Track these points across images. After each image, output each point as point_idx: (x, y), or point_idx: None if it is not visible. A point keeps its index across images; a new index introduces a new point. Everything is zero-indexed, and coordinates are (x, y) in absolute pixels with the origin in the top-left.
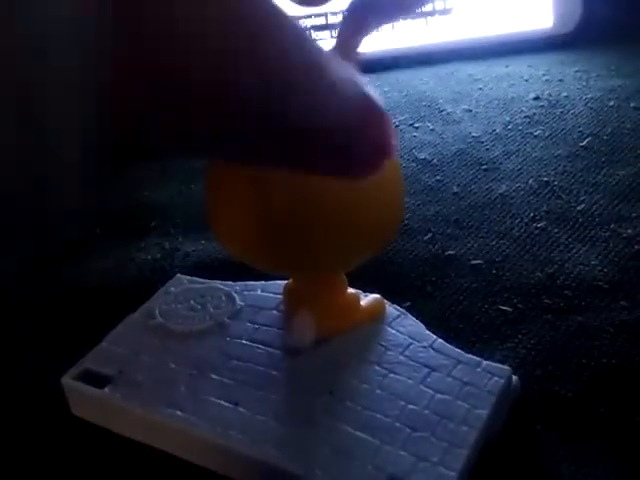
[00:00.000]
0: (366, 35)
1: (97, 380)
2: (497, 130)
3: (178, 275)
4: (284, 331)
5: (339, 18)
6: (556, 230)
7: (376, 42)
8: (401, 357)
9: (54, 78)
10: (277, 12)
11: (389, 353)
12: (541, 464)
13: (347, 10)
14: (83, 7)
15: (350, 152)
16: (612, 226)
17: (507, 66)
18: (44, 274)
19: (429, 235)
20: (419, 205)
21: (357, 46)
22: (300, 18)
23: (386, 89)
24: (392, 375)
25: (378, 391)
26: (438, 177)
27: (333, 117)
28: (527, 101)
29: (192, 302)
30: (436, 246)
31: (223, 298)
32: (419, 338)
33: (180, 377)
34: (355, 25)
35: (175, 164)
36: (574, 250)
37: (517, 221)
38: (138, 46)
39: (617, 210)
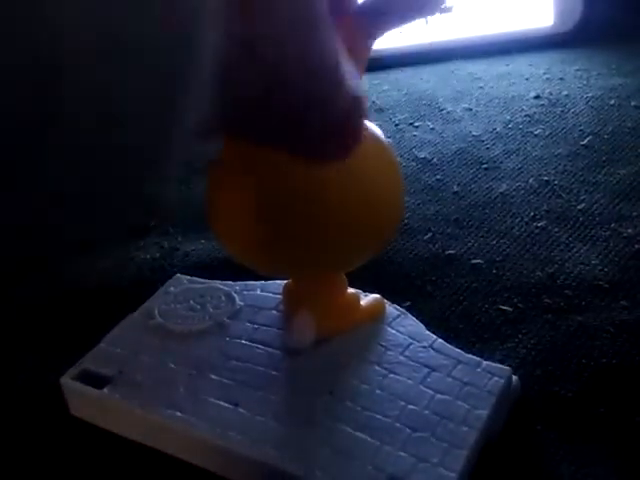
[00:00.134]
0: (377, 37)
1: (96, 380)
2: (497, 129)
3: (178, 275)
4: (284, 331)
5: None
6: (556, 229)
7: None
8: (401, 357)
9: (137, 77)
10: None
11: (389, 353)
12: (541, 464)
13: (358, 12)
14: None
15: (335, 137)
16: (612, 225)
17: (508, 65)
18: (44, 274)
19: (429, 234)
20: (419, 204)
21: (369, 47)
22: None
23: (386, 88)
24: (392, 375)
25: (378, 391)
26: (438, 176)
27: (333, 109)
28: (527, 100)
29: (192, 302)
30: (436, 245)
31: (223, 298)
32: (419, 338)
33: (180, 377)
34: (368, 27)
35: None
36: (574, 249)
37: (517, 220)
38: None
39: (618, 209)
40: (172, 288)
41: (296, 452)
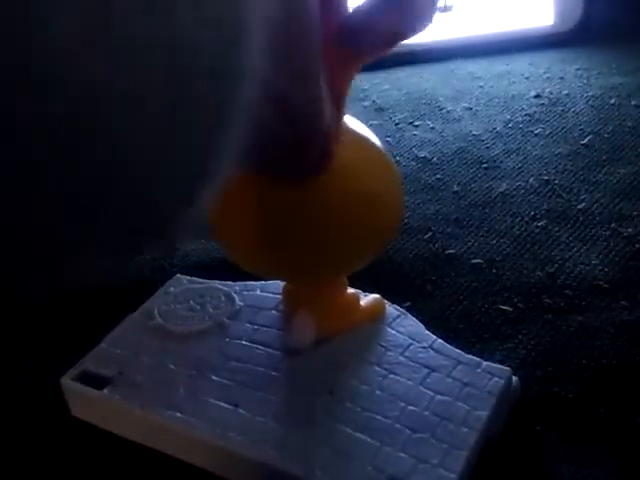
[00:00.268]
0: (360, 64)
1: (96, 381)
2: (497, 128)
3: (177, 275)
4: (284, 331)
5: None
6: (556, 229)
7: None
8: (401, 358)
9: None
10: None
11: (389, 354)
12: (541, 465)
13: (339, 40)
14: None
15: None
16: (613, 225)
17: (508, 64)
18: (44, 274)
19: (429, 234)
20: (419, 204)
21: (349, 77)
22: None
23: (386, 87)
24: (392, 376)
25: (378, 392)
26: (438, 176)
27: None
28: (528, 99)
29: (191, 302)
30: (436, 245)
31: (222, 298)
32: (419, 338)
33: (180, 378)
34: (352, 55)
35: None
36: (574, 249)
37: (517, 220)
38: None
39: (618, 209)
40: (172, 288)
41: (296, 452)
